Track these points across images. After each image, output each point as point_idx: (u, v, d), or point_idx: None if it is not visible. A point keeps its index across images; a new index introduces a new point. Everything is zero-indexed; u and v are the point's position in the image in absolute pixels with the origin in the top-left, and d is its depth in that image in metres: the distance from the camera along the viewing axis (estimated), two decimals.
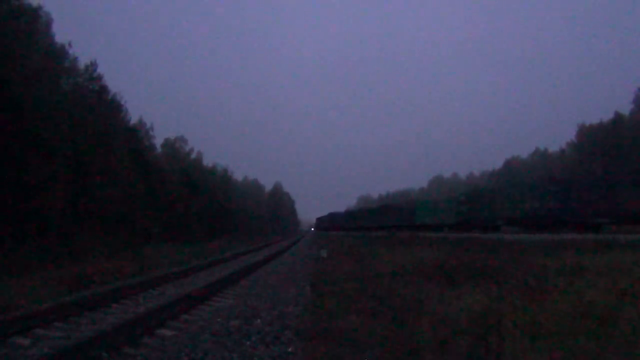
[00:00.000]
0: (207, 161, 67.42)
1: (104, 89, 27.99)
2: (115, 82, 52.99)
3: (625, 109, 55.49)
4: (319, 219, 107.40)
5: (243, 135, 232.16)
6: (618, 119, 54.41)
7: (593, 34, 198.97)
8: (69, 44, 25.30)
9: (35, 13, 21.73)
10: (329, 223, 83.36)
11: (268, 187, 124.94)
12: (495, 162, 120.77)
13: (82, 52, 38.80)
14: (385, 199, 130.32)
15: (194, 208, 41.33)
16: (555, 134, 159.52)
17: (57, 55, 24.27)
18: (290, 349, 5.55)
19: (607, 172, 39.36)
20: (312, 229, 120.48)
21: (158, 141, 48.51)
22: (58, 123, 19.14)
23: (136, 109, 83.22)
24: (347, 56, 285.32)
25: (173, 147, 57.16)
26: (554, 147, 77.24)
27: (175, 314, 7.82)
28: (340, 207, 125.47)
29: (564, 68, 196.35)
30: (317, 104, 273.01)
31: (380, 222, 47.57)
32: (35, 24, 21.37)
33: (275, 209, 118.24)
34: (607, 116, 56.75)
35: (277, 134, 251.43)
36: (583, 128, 61.31)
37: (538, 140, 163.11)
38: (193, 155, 61.51)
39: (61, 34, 36.63)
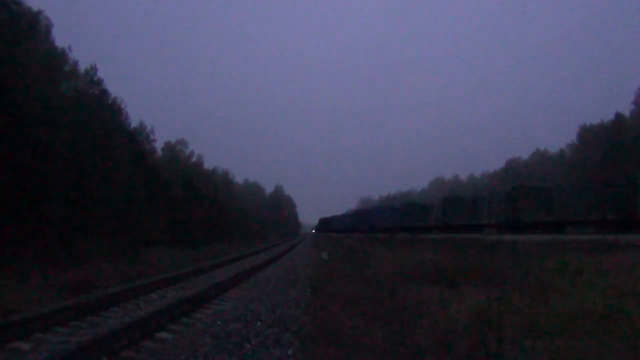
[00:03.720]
0: (208, 164, 67.54)
1: (104, 93, 27.99)
2: (116, 85, 53.19)
3: (626, 109, 55.47)
4: (322, 220, 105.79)
5: (244, 138, 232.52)
6: (619, 119, 54.30)
7: (593, 34, 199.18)
8: (69, 48, 25.34)
9: (35, 17, 21.75)
10: (341, 224, 70.61)
11: (269, 190, 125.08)
12: (496, 164, 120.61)
13: (82, 56, 38.78)
14: (386, 201, 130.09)
15: (195, 211, 41.29)
16: (556, 135, 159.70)
17: (57, 59, 24.27)
18: (290, 352, 5.53)
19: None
20: (313, 231, 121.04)
21: (158, 144, 48.46)
22: (58, 127, 19.14)
23: (136, 113, 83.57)
24: (347, 59, 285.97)
25: (173, 151, 57.15)
26: (554, 148, 77.04)
27: (175, 317, 7.81)
28: (341, 209, 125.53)
29: (565, 69, 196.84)
30: (317, 107, 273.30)
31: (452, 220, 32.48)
32: (35, 28, 21.38)
33: (276, 211, 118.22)
34: (607, 117, 56.67)
35: (278, 137, 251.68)
36: (584, 129, 61.23)
37: (539, 141, 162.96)
38: (193, 159, 61.53)
39: (61, 38, 36.73)
